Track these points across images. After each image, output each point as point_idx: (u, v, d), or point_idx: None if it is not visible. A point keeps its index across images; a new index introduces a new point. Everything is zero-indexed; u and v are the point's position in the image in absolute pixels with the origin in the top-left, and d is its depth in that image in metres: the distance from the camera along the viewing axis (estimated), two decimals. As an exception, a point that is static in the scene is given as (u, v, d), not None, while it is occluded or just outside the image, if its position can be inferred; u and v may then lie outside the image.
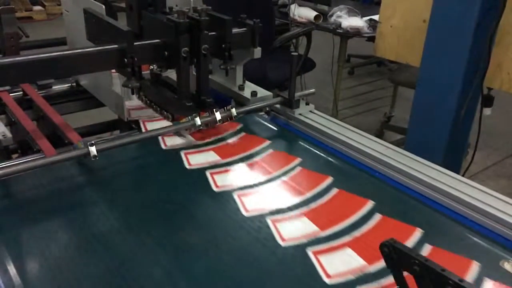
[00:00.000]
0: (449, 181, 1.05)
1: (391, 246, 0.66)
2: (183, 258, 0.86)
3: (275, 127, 1.37)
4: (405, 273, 0.67)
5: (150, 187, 1.07)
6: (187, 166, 1.14)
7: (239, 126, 1.32)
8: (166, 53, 1.21)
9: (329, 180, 1.09)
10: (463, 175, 1.10)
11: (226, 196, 1.03)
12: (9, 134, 1.18)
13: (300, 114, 1.37)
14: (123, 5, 1.38)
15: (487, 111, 1.91)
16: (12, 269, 0.80)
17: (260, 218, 0.96)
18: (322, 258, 0.85)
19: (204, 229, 0.95)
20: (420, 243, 0.90)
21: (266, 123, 1.38)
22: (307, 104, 1.40)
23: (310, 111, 1.39)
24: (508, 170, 3.31)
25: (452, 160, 1.91)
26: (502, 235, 0.93)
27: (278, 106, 1.41)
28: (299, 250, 0.88)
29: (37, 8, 6.40)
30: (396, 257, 0.66)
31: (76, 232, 0.92)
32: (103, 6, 1.27)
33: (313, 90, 1.46)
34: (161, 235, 0.91)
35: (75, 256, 0.85)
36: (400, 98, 3.71)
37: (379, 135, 3.48)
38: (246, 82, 1.49)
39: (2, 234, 0.88)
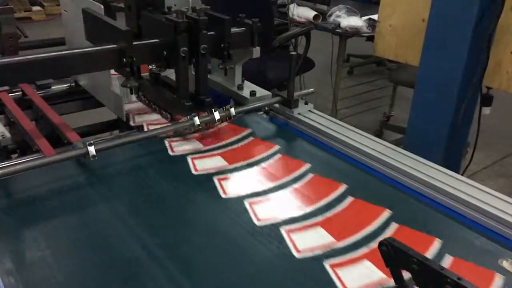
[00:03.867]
0: (448, 180, 1.05)
1: (390, 245, 0.66)
2: (188, 264, 0.84)
3: (280, 129, 1.35)
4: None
5: (154, 192, 1.05)
6: (194, 172, 1.11)
7: (247, 131, 1.30)
8: (165, 53, 1.21)
9: (342, 187, 1.06)
10: (462, 174, 1.10)
11: (235, 204, 1.00)
12: (8, 134, 1.18)
13: (299, 113, 1.37)
14: (122, 5, 1.39)
15: (486, 110, 1.91)
16: (11, 269, 0.80)
17: (273, 228, 0.93)
18: (340, 271, 0.82)
19: (211, 235, 0.92)
20: (439, 254, 0.87)
21: (273, 125, 1.37)
22: (306, 103, 1.40)
23: (309, 111, 1.39)
24: (507, 169, 3.31)
25: (452, 159, 1.91)
26: (501, 234, 0.93)
27: (277, 105, 1.41)
28: (315, 262, 0.84)
29: (36, 8, 6.40)
30: (394, 256, 0.66)
31: (76, 232, 0.92)
32: (102, 6, 1.27)
33: (312, 89, 1.46)
34: (164, 243, 0.88)
35: (75, 255, 0.85)
36: (399, 97, 3.71)
37: (379, 134, 3.48)
38: (245, 81, 1.49)
39: (2, 233, 0.88)
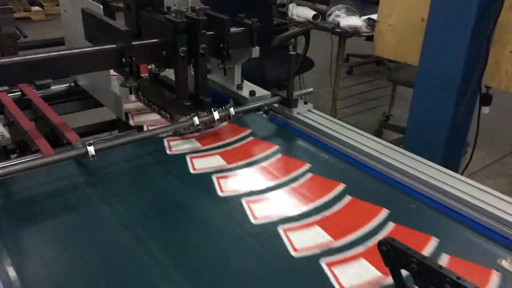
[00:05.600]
0: (448, 179, 1.05)
1: (389, 244, 0.66)
2: (186, 263, 0.84)
3: (279, 128, 1.35)
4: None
5: (152, 190, 1.05)
6: (192, 171, 1.11)
7: (247, 132, 1.30)
8: (164, 52, 1.21)
9: (340, 187, 1.06)
10: (462, 174, 1.10)
11: (233, 202, 1.00)
12: (7, 134, 1.18)
13: (298, 113, 1.37)
14: (121, 5, 1.39)
15: (485, 109, 1.91)
16: (11, 269, 0.80)
17: (270, 226, 0.93)
18: (336, 270, 0.82)
19: (208, 234, 0.92)
20: (437, 252, 0.87)
21: (272, 125, 1.37)
22: (305, 103, 1.40)
23: (309, 110, 1.39)
24: (507, 168, 3.32)
25: (451, 158, 1.91)
26: (500, 233, 0.93)
27: (276, 105, 1.41)
28: (312, 261, 0.85)
29: (36, 8, 6.40)
30: (394, 255, 0.66)
31: (75, 231, 0.92)
32: (101, 6, 1.27)
33: (311, 89, 1.46)
34: (162, 239, 0.89)
35: (74, 255, 0.85)
36: (399, 97, 3.71)
37: (378, 134, 3.48)
38: (245, 81, 1.49)
39: (1, 234, 0.88)
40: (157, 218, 0.96)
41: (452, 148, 1.88)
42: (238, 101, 1.44)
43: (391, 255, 0.67)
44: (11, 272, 0.79)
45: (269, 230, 0.92)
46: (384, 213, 0.97)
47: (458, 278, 0.58)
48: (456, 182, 1.04)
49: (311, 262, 0.84)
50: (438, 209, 1.01)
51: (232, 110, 1.27)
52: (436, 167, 1.10)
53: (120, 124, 1.47)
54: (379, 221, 0.95)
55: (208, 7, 1.26)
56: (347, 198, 1.02)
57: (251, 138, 1.28)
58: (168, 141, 1.23)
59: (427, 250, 0.87)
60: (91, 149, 1.05)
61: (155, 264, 0.83)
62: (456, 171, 1.10)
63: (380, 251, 0.68)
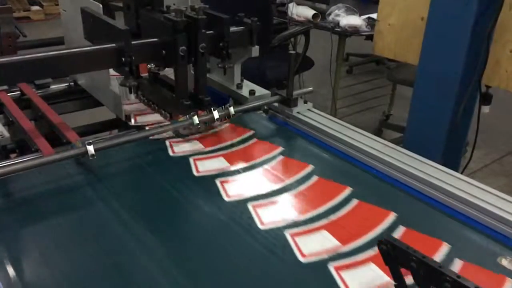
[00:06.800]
0: (448, 178, 1.05)
1: (389, 243, 0.66)
2: (190, 268, 0.82)
3: (279, 128, 1.34)
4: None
5: (154, 191, 1.04)
6: (195, 173, 1.10)
7: (250, 133, 1.29)
8: (163, 52, 1.21)
9: (347, 190, 1.04)
10: (462, 173, 1.10)
11: (239, 207, 0.98)
12: (7, 134, 1.18)
13: (298, 112, 1.36)
14: (120, 4, 1.38)
15: (485, 109, 1.91)
16: (10, 269, 0.80)
17: (277, 231, 0.91)
18: (345, 274, 0.81)
19: (214, 239, 0.90)
20: (448, 259, 0.85)
21: (272, 124, 1.36)
22: (305, 102, 1.40)
23: (308, 110, 1.39)
24: (506, 168, 3.32)
25: (451, 158, 1.91)
26: (500, 232, 0.93)
27: (276, 104, 1.41)
28: (321, 266, 0.83)
29: (35, 8, 6.40)
30: (393, 254, 0.66)
31: (75, 231, 0.92)
32: (101, 5, 1.27)
33: (311, 88, 1.46)
34: (165, 243, 0.88)
35: (74, 255, 0.85)
36: (398, 96, 3.71)
37: (378, 133, 3.48)
38: (244, 80, 1.49)
39: (1, 233, 0.88)
40: (160, 221, 0.94)
41: (452, 147, 1.88)
42: (238, 100, 1.44)
43: (391, 254, 0.67)
44: (11, 272, 0.79)
45: (277, 235, 0.90)
46: (392, 216, 0.96)
47: (458, 277, 0.58)
48: (456, 181, 1.04)
49: (319, 267, 0.83)
50: (440, 209, 1.01)
51: (231, 109, 1.27)
52: (436, 166, 1.10)
53: (119, 124, 1.47)
54: (387, 225, 0.94)
55: (207, 6, 1.26)
56: (354, 202, 1.01)
57: (254, 139, 1.26)
58: (170, 142, 1.22)
59: (438, 256, 0.86)
60: (90, 149, 1.05)
61: (159, 269, 0.81)
62: (456, 170, 1.10)
63: (380, 250, 0.68)
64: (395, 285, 0.70)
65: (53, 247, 0.87)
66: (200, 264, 0.84)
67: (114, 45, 1.14)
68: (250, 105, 1.37)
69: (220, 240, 0.90)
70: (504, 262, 0.85)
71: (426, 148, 1.76)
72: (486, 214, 0.95)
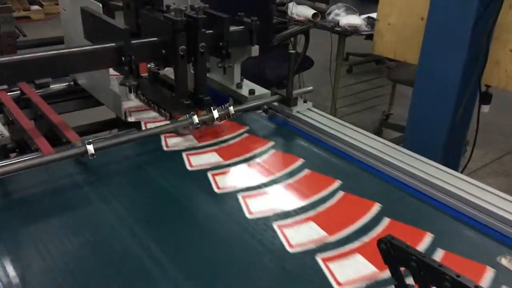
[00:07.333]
0: (447, 178, 1.05)
1: (389, 242, 0.66)
2: (183, 259, 0.84)
3: (278, 127, 1.35)
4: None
5: (149, 187, 1.06)
6: (188, 168, 1.12)
7: (243, 129, 1.30)
8: (163, 51, 1.21)
9: (336, 183, 1.06)
10: (461, 172, 1.10)
11: (229, 198, 1.01)
12: (7, 133, 1.18)
13: (298, 112, 1.36)
14: (120, 3, 1.39)
15: (485, 108, 1.92)
16: (10, 268, 0.80)
17: (265, 222, 0.93)
18: (332, 265, 0.83)
19: (205, 230, 0.92)
20: (431, 248, 0.87)
21: (272, 124, 1.37)
22: (305, 102, 1.40)
23: (308, 109, 1.39)
24: (506, 167, 3.32)
25: (451, 157, 1.91)
26: (499, 231, 0.93)
27: (276, 104, 1.41)
28: (308, 257, 0.85)
29: (35, 7, 6.39)
30: (393, 253, 0.66)
31: (74, 230, 0.92)
32: (100, 5, 1.27)
33: (311, 87, 1.46)
34: (160, 235, 0.90)
35: (74, 254, 0.85)
36: (398, 96, 3.71)
37: (378, 133, 3.48)
38: (244, 80, 1.49)
39: (0, 233, 0.88)
40: (155, 216, 0.97)
41: (451, 147, 1.88)
42: (238, 99, 1.44)
43: (391, 253, 0.67)
44: (11, 272, 0.79)
45: (264, 225, 0.93)
46: (377, 207, 0.98)
47: (458, 276, 0.58)
48: (456, 180, 1.05)
49: (306, 258, 0.85)
50: (436, 207, 1.01)
51: (231, 108, 1.27)
52: (436, 166, 1.10)
53: (119, 123, 1.47)
54: (372, 215, 0.96)
55: (207, 5, 1.26)
56: (340, 194, 1.03)
57: (247, 134, 1.28)
58: (165, 137, 1.23)
59: (422, 246, 0.88)
60: (90, 148, 1.05)
61: (153, 261, 0.83)
62: (456, 170, 1.10)
63: (379, 249, 0.68)
64: (395, 285, 0.70)
65: (53, 247, 0.86)
66: (192, 254, 0.86)
67: (114, 44, 1.14)
68: (250, 105, 1.37)
69: (210, 230, 0.92)
70: (504, 261, 0.85)
71: (426, 148, 1.77)
72: (485, 213, 0.96)
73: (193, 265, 0.83)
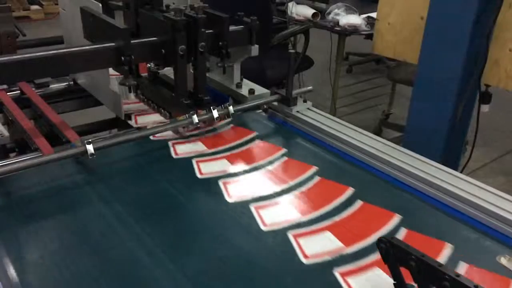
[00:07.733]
0: (447, 177, 1.05)
1: (388, 242, 0.66)
2: (192, 269, 0.82)
3: (283, 128, 1.34)
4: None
5: (157, 194, 1.03)
6: (198, 175, 1.09)
7: (253, 134, 1.28)
8: (163, 51, 1.21)
9: (350, 191, 1.04)
10: (461, 172, 1.10)
11: (241, 208, 0.98)
12: (6, 133, 1.18)
13: (297, 111, 1.36)
14: (120, 3, 1.38)
15: (485, 108, 1.92)
16: (10, 268, 0.80)
17: (280, 233, 0.91)
18: (350, 280, 0.80)
19: (216, 241, 0.89)
20: (451, 260, 0.84)
21: (272, 124, 1.36)
22: (305, 101, 1.40)
23: (308, 109, 1.39)
24: (506, 167, 3.32)
25: (451, 157, 1.91)
26: (499, 231, 0.93)
27: (275, 103, 1.41)
28: (324, 268, 0.82)
29: (35, 7, 6.39)
30: (393, 253, 0.66)
31: (75, 231, 0.92)
32: (100, 5, 1.27)
33: (310, 87, 1.46)
34: (167, 247, 0.87)
35: (73, 254, 0.85)
36: (398, 95, 3.71)
37: (378, 132, 3.48)
38: (244, 80, 1.49)
39: (0, 233, 0.88)
40: (162, 223, 0.94)
41: (451, 146, 1.88)
42: (237, 99, 1.44)
43: (390, 253, 0.67)
44: (11, 271, 0.79)
45: (279, 237, 0.90)
46: (396, 219, 0.95)
47: (457, 275, 0.59)
48: (456, 180, 1.05)
49: (322, 269, 0.82)
50: (439, 208, 1.01)
51: (231, 108, 1.27)
52: (435, 165, 1.10)
53: (119, 123, 1.47)
54: (391, 227, 0.93)
55: (207, 5, 1.26)
56: (358, 203, 1.00)
57: (257, 141, 1.26)
58: (173, 144, 1.21)
59: (442, 258, 0.85)
60: (90, 148, 1.05)
61: (159, 269, 0.81)
62: (456, 169, 1.10)
63: (379, 248, 0.68)
64: (394, 284, 0.70)
65: (53, 246, 0.86)
66: (200, 265, 0.84)
67: (113, 44, 1.14)
68: (249, 104, 1.37)
69: (221, 241, 0.89)
70: (503, 260, 0.85)
71: (426, 147, 1.77)
72: (485, 213, 0.96)
73: (202, 274, 0.81)
